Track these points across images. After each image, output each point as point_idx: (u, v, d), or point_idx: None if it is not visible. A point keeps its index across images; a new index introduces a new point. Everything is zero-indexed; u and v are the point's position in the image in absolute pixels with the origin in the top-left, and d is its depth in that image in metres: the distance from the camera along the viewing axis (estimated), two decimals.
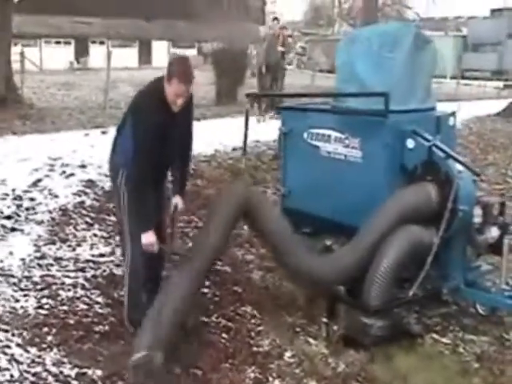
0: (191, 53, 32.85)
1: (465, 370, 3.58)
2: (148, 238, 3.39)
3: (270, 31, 12.52)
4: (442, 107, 4.67)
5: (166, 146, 3.41)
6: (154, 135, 3.32)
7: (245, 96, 5.76)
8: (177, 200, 3.68)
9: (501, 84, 28.17)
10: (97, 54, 29.67)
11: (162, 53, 31.19)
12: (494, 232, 4.01)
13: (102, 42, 31.58)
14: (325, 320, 3.85)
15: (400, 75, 4.16)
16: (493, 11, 38.51)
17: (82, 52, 31.20)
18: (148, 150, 3.34)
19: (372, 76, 4.14)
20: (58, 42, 30.99)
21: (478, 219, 3.96)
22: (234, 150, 8.44)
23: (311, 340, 3.80)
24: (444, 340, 3.90)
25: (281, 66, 12.03)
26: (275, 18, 13.54)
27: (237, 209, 3.76)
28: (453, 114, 4.44)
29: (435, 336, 3.92)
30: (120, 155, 3.54)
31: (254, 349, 3.65)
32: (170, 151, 3.53)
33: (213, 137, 8.68)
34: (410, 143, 3.98)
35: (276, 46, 11.84)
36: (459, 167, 3.91)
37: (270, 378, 3.36)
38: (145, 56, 33.65)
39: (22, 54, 13.39)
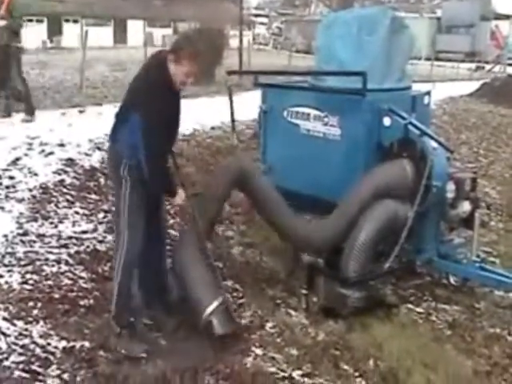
0: (167, 32, 32.50)
1: (437, 337, 3.76)
2: (181, 195, 3.47)
3: None
4: (417, 88, 4.79)
5: (170, 128, 3.32)
6: (164, 119, 3.21)
7: (226, 73, 5.78)
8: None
9: (473, 65, 28.58)
10: (70, 33, 29.17)
11: (137, 32, 30.79)
12: (466, 207, 4.19)
13: (75, 21, 30.99)
14: (304, 292, 3.98)
15: (377, 56, 4.28)
16: None
17: (55, 31, 30.60)
18: (160, 133, 3.21)
19: (351, 57, 4.27)
20: (30, 20, 30.25)
21: (451, 194, 4.12)
22: (213, 129, 8.50)
23: (291, 311, 3.93)
24: (418, 309, 4.07)
25: (12, 50, 7.59)
26: None
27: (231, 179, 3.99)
28: (428, 93, 4.57)
29: (410, 306, 4.09)
30: (123, 146, 3.28)
31: (237, 320, 3.76)
32: (174, 133, 3.43)
33: (191, 116, 8.68)
34: (387, 121, 4.10)
35: None
36: (434, 144, 4.05)
37: (253, 348, 3.47)
38: (120, 35, 33.18)
39: None
